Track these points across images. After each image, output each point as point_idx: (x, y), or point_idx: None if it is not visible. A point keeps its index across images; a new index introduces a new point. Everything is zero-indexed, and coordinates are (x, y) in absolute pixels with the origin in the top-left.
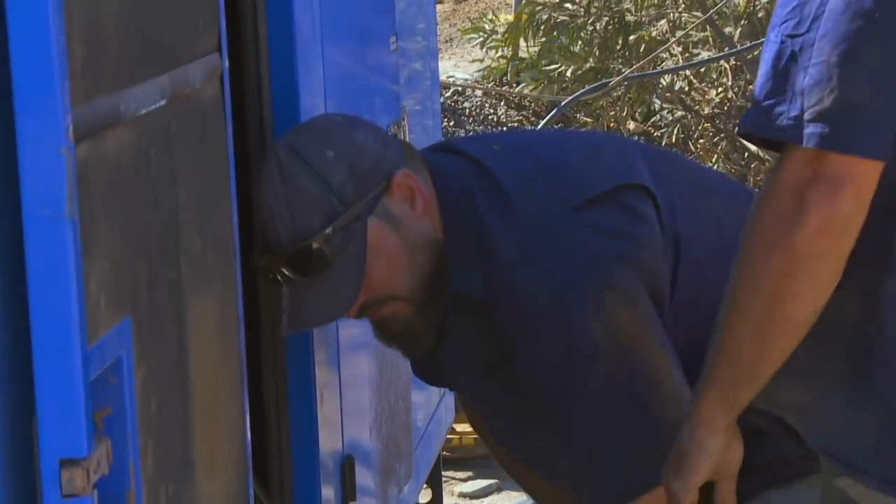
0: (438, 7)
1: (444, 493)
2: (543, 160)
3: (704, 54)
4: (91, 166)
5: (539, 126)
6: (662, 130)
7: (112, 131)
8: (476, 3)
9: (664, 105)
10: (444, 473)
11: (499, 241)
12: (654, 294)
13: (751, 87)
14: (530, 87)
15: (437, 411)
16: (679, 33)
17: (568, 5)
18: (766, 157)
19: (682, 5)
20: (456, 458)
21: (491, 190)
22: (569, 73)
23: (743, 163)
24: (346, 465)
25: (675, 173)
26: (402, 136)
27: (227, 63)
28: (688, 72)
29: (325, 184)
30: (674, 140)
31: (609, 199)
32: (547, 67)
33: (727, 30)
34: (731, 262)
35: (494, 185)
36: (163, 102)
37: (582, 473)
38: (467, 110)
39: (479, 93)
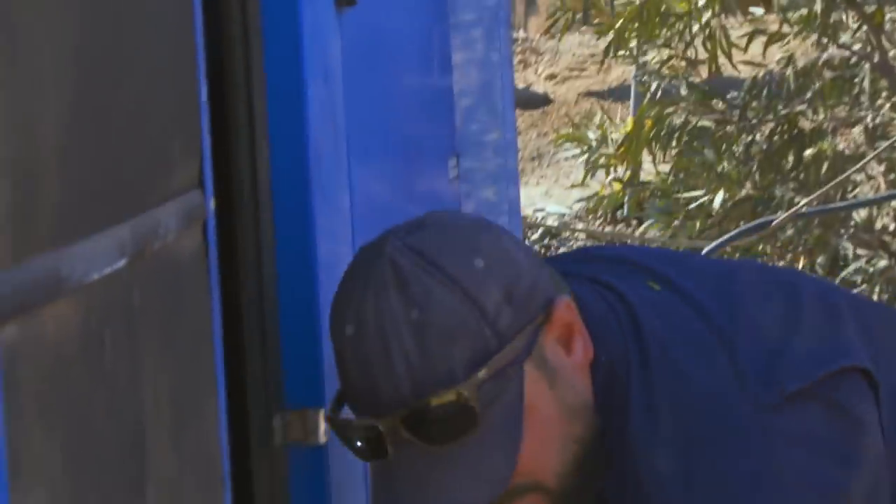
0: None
1: None
2: (725, 322)
3: None
4: (22, 355)
5: None
6: (859, 288)
7: (51, 305)
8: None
9: (859, 251)
10: None
11: (650, 451)
12: None
13: None
14: (659, 227)
15: None
16: (881, 144)
17: (714, 103)
18: None
19: (885, 102)
20: None
21: (648, 366)
22: (716, 203)
23: None
24: None
25: (887, 331)
26: None
27: (212, 204)
28: (894, 203)
29: (476, 306)
30: (875, 299)
31: (814, 395)
32: (683, 195)
33: None
34: None
35: (654, 359)
36: (122, 262)
37: None
38: None
39: (581, 234)
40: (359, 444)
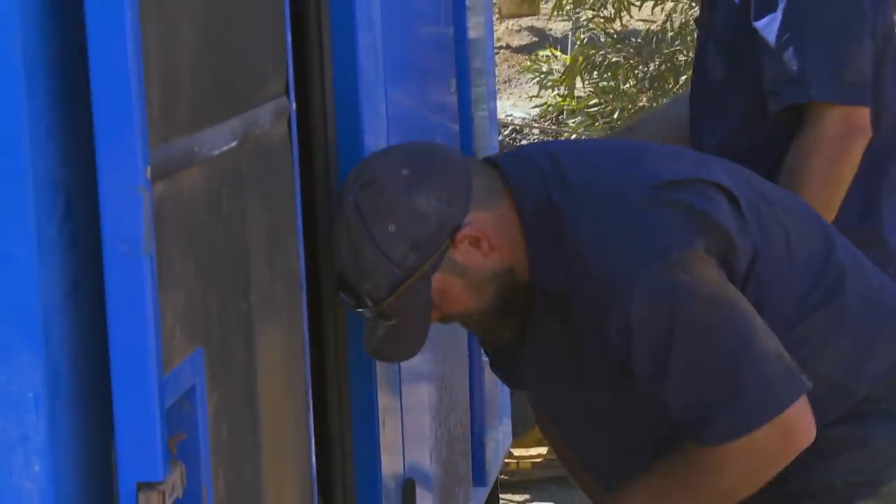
0: (498, 51)
1: None
2: (624, 156)
3: None
4: (167, 205)
5: None
6: None
7: (187, 171)
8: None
9: None
10: (501, 497)
11: (578, 225)
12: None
13: None
14: (583, 126)
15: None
16: None
17: (620, 46)
18: None
19: None
20: (513, 482)
21: (568, 182)
22: (616, 115)
23: None
24: (408, 489)
25: (748, 185)
26: None
27: (294, 105)
28: None
29: (387, 257)
30: None
31: (685, 185)
32: (591, 109)
33: None
34: (797, 268)
35: (571, 177)
36: (234, 144)
37: (693, 418)
38: None
39: (536, 130)
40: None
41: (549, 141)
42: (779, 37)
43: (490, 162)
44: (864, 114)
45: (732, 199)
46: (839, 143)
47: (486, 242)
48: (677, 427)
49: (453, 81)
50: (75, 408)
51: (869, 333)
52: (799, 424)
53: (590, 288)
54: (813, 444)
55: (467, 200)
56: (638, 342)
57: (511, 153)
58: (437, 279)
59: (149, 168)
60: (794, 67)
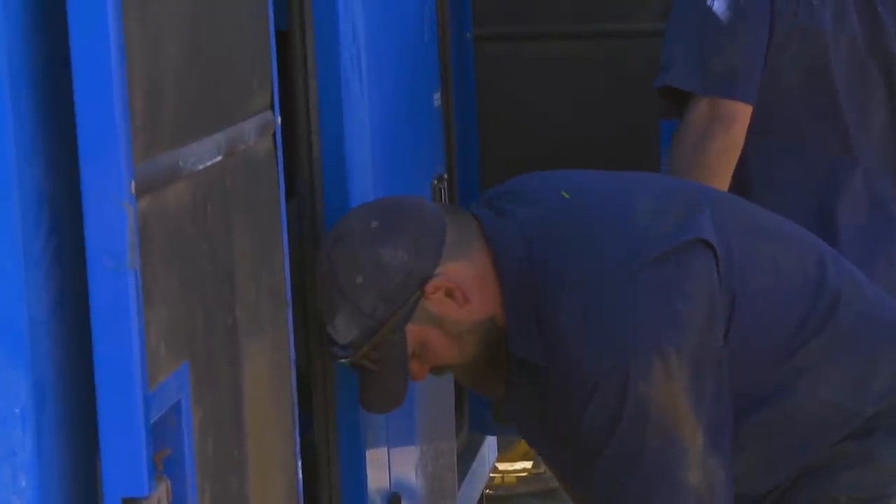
0: None
1: None
2: (610, 217)
3: None
4: (151, 219)
5: None
6: None
7: (171, 186)
8: None
9: None
10: None
11: (556, 309)
12: (704, 348)
13: None
14: None
15: (480, 451)
16: None
17: None
18: None
19: None
20: (498, 496)
21: (551, 256)
22: None
23: None
24: (394, 503)
25: (736, 220)
26: (444, 188)
27: (279, 120)
28: None
29: (357, 309)
30: None
31: (668, 258)
32: None
33: None
34: (786, 302)
35: (555, 249)
36: (219, 158)
37: None
38: None
39: None
40: None
41: (538, 177)
42: (666, 27)
43: (472, 211)
44: (727, 105)
45: (714, 252)
46: (701, 132)
47: (460, 294)
48: None
49: (437, 95)
50: (61, 423)
51: (870, 352)
52: None
53: (563, 369)
54: (818, 458)
55: (438, 252)
56: (585, 426)
57: (495, 203)
58: (414, 330)
59: (133, 183)
60: (665, 55)
